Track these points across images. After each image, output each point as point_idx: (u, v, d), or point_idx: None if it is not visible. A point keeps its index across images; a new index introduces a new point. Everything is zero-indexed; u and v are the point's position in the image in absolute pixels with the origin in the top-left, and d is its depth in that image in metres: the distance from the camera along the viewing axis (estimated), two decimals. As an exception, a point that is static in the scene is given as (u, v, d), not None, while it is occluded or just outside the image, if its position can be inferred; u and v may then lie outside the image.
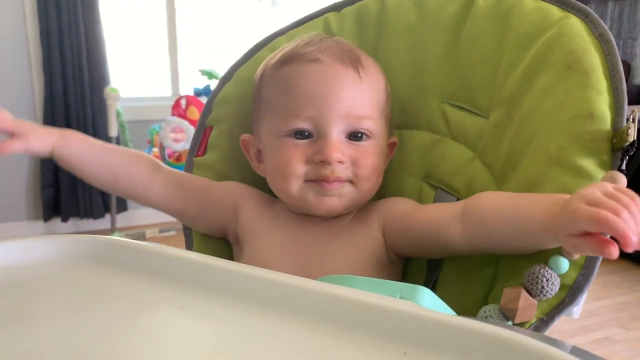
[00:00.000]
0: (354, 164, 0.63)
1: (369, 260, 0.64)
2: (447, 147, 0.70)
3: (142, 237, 2.66)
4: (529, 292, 0.51)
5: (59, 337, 0.38)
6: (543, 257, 0.52)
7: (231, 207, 0.70)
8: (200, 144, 0.77)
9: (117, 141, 2.66)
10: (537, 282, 0.50)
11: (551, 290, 0.50)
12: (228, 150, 0.76)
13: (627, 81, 0.56)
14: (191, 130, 2.32)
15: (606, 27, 0.58)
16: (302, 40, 0.66)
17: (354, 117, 0.62)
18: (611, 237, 0.41)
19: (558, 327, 1.80)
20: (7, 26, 2.54)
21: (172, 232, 2.72)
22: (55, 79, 2.58)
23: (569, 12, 0.60)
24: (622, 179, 0.48)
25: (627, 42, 2.72)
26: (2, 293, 0.46)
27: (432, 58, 0.71)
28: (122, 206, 2.82)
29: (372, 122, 0.63)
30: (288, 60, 0.64)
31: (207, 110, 0.77)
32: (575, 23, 0.59)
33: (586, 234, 0.42)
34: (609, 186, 0.43)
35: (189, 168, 0.77)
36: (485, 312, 0.52)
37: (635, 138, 0.51)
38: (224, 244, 0.75)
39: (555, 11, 0.61)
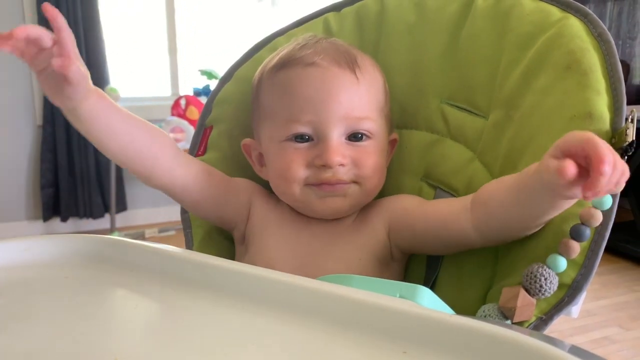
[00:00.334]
0: (355, 165, 0.63)
1: (370, 259, 0.64)
2: (446, 147, 0.70)
3: (141, 236, 2.66)
4: (527, 291, 0.51)
5: (59, 337, 0.38)
6: (541, 256, 0.52)
7: (245, 204, 0.69)
8: (200, 143, 0.77)
9: (117, 141, 2.66)
10: (535, 281, 0.50)
11: (549, 289, 0.50)
12: (228, 150, 0.76)
13: (626, 81, 0.57)
14: (191, 130, 2.32)
15: (605, 28, 0.58)
16: (297, 42, 0.66)
17: (353, 119, 0.62)
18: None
19: (557, 327, 1.80)
20: (7, 26, 2.53)
21: (172, 232, 2.72)
22: (55, 78, 2.58)
23: (568, 12, 0.60)
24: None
25: (626, 42, 2.72)
26: (2, 293, 0.46)
27: (431, 58, 0.71)
28: (121, 206, 2.82)
29: (372, 122, 0.64)
30: (284, 64, 0.64)
31: (207, 110, 0.77)
32: (575, 23, 0.59)
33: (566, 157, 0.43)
34: None
35: (189, 168, 0.77)
36: (484, 311, 0.53)
37: (634, 138, 0.51)
38: (224, 243, 0.75)
39: (554, 11, 0.61)
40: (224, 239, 0.76)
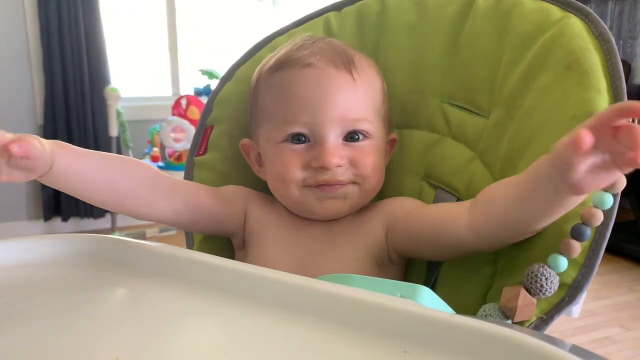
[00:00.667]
0: (353, 165, 0.63)
1: (368, 260, 0.64)
2: (447, 147, 0.70)
3: (142, 236, 2.66)
4: (528, 290, 0.51)
5: (59, 336, 0.38)
6: (542, 255, 0.52)
7: (239, 212, 0.69)
8: (200, 143, 0.77)
9: (118, 141, 2.66)
10: (536, 281, 0.50)
11: (550, 288, 0.50)
12: (228, 150, 0.76)
13: (627, 81, 0.57)
14: (191, 129, 2.33)
15: (606, 27, 0.58)
16: (295, 43, 0.66)
17: (349, 120, 0.62)
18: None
19: (558, 327, 1.80)
20: (7, 26, 2.55)
21: (173, 232, 2.72)
22: (56, 78, 2.59)
23: (569, 12, 0.60)
24: (622, 179, 0.48)
25: (627, 41, 2.72)
26: (2, 293, 0.46)
27: (432, 57, 0.71)
28: (122, 206, 2.81)
29: (369, 123, 0.63)
30: (281, 65, 0.64)
31: (207, 110, 0.77)
32: (575, 23, 0.59)
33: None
34: None
35: (190, 167, 0.77)
36: (484, 311, 0.53)
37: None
38: (224, 243, 0.75)
39: (555, 11, 0.61)
40: (224, 238, 0.76)
